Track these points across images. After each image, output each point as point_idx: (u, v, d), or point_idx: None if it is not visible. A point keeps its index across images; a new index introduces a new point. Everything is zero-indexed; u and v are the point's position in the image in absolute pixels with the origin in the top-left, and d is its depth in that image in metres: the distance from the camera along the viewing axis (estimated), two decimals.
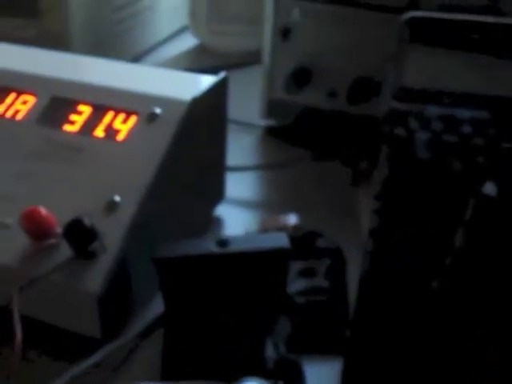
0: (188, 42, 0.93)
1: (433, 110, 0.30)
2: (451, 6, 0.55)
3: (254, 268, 0.36)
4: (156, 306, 0.41)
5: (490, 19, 0.34)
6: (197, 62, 0.87)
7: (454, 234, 0.30)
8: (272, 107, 0.65)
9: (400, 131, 0.30)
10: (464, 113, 0.30)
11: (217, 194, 0.53)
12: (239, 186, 0.57)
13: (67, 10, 0.68)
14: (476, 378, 0.33)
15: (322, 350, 0.40)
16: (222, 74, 0.48)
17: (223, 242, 0.36)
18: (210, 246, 0.36)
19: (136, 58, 0.84)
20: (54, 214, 0.39)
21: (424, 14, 0.35)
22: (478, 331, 0.32)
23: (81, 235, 0.37)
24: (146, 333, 0.41)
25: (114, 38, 0.78)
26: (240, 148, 0.61)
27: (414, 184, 0.31)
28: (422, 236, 0.31)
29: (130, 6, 0.81)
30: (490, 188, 0.29)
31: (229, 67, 0.61)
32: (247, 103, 0.65)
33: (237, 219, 0.53)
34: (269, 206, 0.56)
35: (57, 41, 0.67)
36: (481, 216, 0.30)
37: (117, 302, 0.39)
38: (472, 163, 0.30)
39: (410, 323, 0.33)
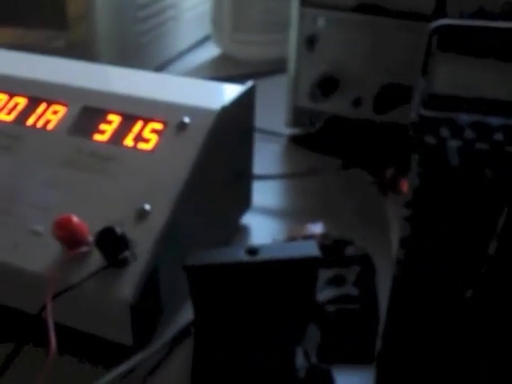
0: (210, 51, 0.94)
1: (464, 118, 0.30)
2: (476, 12, 0.55)
3: (284, 276, 0.36)
4: (186, 314, 0.41)
5: None
6: (220, 71, 0.87)
7: (488, 243, 0.30)
8: (297, 116, 0.65)
9: (430, 139, 0.30)
10: (495, 120, 0.30)
11: (244, 202, 0.53)
12: (265, 194, 0.57)
13: (94, 21, 0.69)
14: None
15: (352, 358, 0.39)
16: (250, 83, 0.48)
17: (253, 251, 0.36)
18: (239, 255, 0.36)
19: (159, 68, 0.85)
20: (85, 222, 0.39)
21: (452, 21, 0.35)
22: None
23: (112, 243, 0.37)
24: (176, 341, 0.41)
25: (138, 49, 0.79)
26: (265, 156, 0.62)
27: (445, 192, 0.30)
28: (455, 244, 0.31)
29: (155, 17, 0.82)
30: None
31: (252, 76, 0.62)
32: (272, 112, 0.65)
33: (263, 227, 0.54)
34: (295, 214, 0.56)
35: (84, 51, 0.68)
36: None
37: (148, 309, 0.39)
38: (504, 171, 0.29)
39: (443, 333, 0.33)
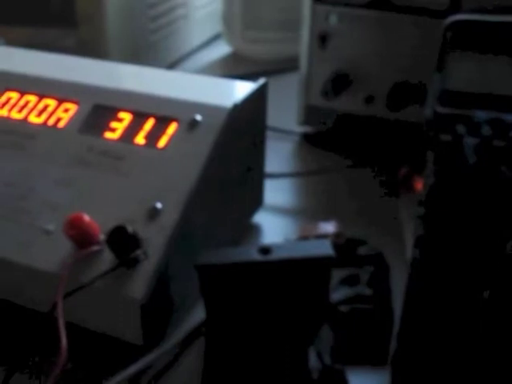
0: (221, 49, 0.94)
1: (481, 115, 0.30)
2: (491, 8, 0.54)
3: (297, 276, 0.36)
4: (197, 314, 0.41)
5: None
6: (231, 69, 0.87)
7: (505, 242, 0.30)
8: (309, 114, 0.65)
9: (446, 137, 0.30)
10: None
11: (255, 200, 0.53)
12: (277, 192, 0.57)
13: (104, 20, 0.69)
14: None
15: (366, 359, 0.39)
16: (262, 81, 0.48)
17: (266, 250, 0.36)
18: (252, 254, 0.36)
19: (170, 66, 0.85)
20: (96, 220, 0.39)
21: (467, 16, 0.34)
22: None
23: (124, 242, 0.37)
24: (187, 341, 0.40)
25: (149, 47, 0.79)
26: (277, 155, 0.61)
27: (461, 190, 0.30)
28: (471, 243, 0.31)
29: (166, 16, 0.82)
30: None
31: (264, 74, 0.61)
32: (283, 110, 0.65)
33: (275, 226, 0.53)
34: (307, 212, 0.56)
35: (94, 50, 0.68)
36: None
37: (159, 308, 0.39)
38: None
39: (459, 333, 0.32)
